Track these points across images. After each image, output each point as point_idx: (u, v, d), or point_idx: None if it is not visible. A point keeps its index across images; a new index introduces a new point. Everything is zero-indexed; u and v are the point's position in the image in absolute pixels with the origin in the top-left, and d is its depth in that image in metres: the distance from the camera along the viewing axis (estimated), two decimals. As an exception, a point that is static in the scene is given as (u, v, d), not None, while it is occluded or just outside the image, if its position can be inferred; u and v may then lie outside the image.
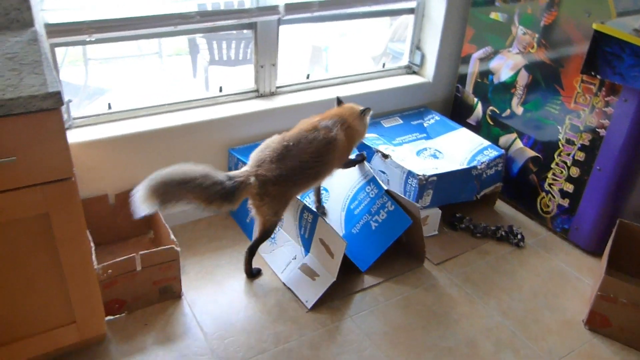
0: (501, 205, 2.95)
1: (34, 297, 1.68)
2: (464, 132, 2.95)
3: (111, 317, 2.06)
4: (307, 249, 2.34)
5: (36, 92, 1.39)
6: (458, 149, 2.86)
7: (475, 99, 3.03)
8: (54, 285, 1.69)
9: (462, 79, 3.09)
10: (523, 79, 2.71)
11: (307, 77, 2.91)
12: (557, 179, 2.64)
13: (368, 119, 2.41)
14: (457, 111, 3.18)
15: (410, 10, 3.11)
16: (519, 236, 2.65)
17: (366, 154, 2.57)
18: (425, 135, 3.04)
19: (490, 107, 2.95)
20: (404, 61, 3.28)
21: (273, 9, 2.49)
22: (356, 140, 2.38)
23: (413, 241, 2.43)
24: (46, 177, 1.51)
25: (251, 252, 2.28)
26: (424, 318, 2.18)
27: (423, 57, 3.18)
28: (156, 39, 4.39)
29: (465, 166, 2.68)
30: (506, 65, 2.79)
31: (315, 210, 2.43)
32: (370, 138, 2.78)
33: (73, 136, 2.21)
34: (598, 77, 2.31)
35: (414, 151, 2.87)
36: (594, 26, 2.24)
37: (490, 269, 2.48)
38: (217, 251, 2.47)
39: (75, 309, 1.76)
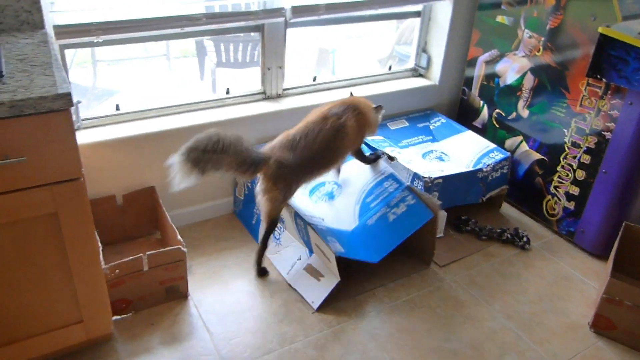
0: (507, 208, 2.95)
1: (42, 296, 1.69)
2: (470, 134, 2.95)
3: (118, 317, 2.08)
4: (310, 250, 2.35)
5: (46, 93, 1.40)
6: (464, 151, 2.87)
7: (481, 102, 3.04)
8: (62, 284, 1.71)
9: (468, 81, 3.10)
10: (529, 82, 2.72)
11: (314, 80, 2.92)
12: (563, 181, 2.64)
13: (380, 116, 2.44)
14: (463, 114, 3.19)
15: (417, 14, 3.12)
16: (525, 239, 2.65)
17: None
18: (431, 137, 3.05)
19: (496, 110, 2.95)
20: (410, 64, 3.29)
21: (279, 12, 2.51)
22: (367, 129, 2.39)
23: (423, 239, 2.43)
24: (55, 177, 1.53)
25: (264, 245, 2.30)
26: (429, 320, 2.19)
27: (429, 60, 3.19)
28: (164, 41, 4.41)
29: (471, 169, 2.69)
30: (512, 69, 2.79)
31: (371, 160, 2.50)
32: (376, 140, 2.79)
33: (81, 137, 2.23)
34: (603, 80, 2.32)
35: (420, 153, 2.87)
36: (600, 30, 2.25)
37: (495, 272, 2.48)
38: (223, 252, 2.48)
39: (82, 308, 1.77)
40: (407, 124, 3.08)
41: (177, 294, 2.19)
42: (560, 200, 2.68)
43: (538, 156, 2.75)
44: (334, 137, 2.20)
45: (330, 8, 2.64)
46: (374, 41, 5.47)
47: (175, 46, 5.23)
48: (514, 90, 2.81)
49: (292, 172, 2.13)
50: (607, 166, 2.42)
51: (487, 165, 2.67)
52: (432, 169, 2.64)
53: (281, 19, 2.54)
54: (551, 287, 2.42)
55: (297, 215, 2.29)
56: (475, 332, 2.15)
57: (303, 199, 2.52)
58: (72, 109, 1.48)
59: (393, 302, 2.26)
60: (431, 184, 2.47)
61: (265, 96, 2.76)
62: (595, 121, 2.43)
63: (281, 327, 2.10)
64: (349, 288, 2.27)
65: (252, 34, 3.53)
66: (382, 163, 2.50)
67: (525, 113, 2.78)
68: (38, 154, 1.47)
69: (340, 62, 5.09)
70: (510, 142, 2.90)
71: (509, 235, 2.67)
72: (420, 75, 3.27)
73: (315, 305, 2.19)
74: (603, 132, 2.41)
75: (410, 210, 2.33)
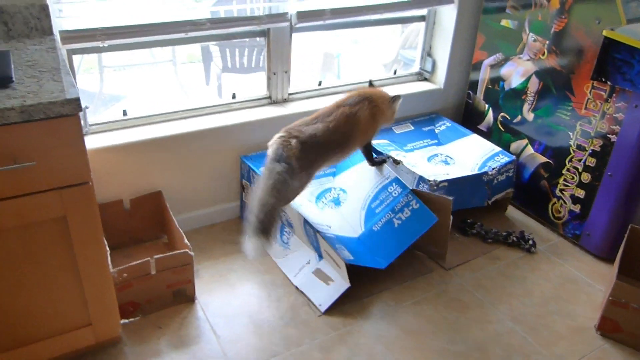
0: (512, 211, 2.96)
1: (50, 299, 1.71)
2: (475, 138, 2.96)
3: (126, 320, 2.09)
4: (320, 255, 2.36)
5: (55, 98, 1.42)
6: (469, 155, 2.87)
7: (486, 106, 3.04)
8: (71, 287, 1.72)
9: (473, 85, 3.11)
10: (534, 85, 2.72)
11: (319, 84, 2.93)
12: (568, 184, 2.64)
13: (397, 106, 2.45)
14: (468, 117, 3.20)
15: (422, 18, 3.13)
16: (531, 242, 2.65)
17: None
18: (436, 141, 3.06)
19: (501, 114, 2.96)
20: (415, 68, 3.30)
21: (284, 17, 2.52)
22: (381, 121, 2.41)
23: (435, 236, 2.44)
24: (64, 181, 1.55)
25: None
26: (434, 322, 2.19)
27: (434, 64, 3.20)
28: (170, 46, 4.43)
29: (476, 172, 2.69)
30: (517, 72, 2.80)
31: (376, 162, 2.55)
32: (381, 144, 2.80)
33: (89, 142, 2.25)
34: (608, 83, 2.32)
35: (425, 157, 2.88)
36: (604, 33, 2.26)
37: (501, 275, 2.49)
38: (230, 255, 2.49)
39: (90, 311, 1.79)
40: (412, 128, 3.09)
41: (184, 297, 2.20)
42: (565, 203, 2.68)
43: (543, 159, 2.75)
44: (345, 123, 2.25)
45: (335, 13, 2.66)
46: (379, 46, 5.48)
47: (181, 52, 5.25)
48: (519, 93, 2.82)
49: (311, 153, 2.17)
50: (613, 169, 2.42)
51: (493, 169, 2.68)
52: (438, 173, 2.64)
53: (284, 24, 2.56)
54: (557, 289, 2.42)
55: (306, 223, 2.30)
56: (481, 334, 2.15)
57: (310, 205, 2.53)
58: (81, 114, 1.50)
59: (399, 305, 2.27)
60: (436, 188, 2.48)
61: (271, 101, 2.77)
62: (600, 124, 2.43)
63: (287, 330, 2.11)
64: (355, 291, 2.28)
65: (258, 39, 3.54)
66: (387, 167, 2.51)
67: (530, 116, 2.78)
68: (47, 159, 1.49)
69: (346, 67, 5.10)
70: (515, 146, 2.90)
71: (514, 238, 2.68)
72: (425, 79, 3.28)
73: (323, 308, 2.19)
74: (608, 135, 2.41)
75: (415, 215, 2.34)
